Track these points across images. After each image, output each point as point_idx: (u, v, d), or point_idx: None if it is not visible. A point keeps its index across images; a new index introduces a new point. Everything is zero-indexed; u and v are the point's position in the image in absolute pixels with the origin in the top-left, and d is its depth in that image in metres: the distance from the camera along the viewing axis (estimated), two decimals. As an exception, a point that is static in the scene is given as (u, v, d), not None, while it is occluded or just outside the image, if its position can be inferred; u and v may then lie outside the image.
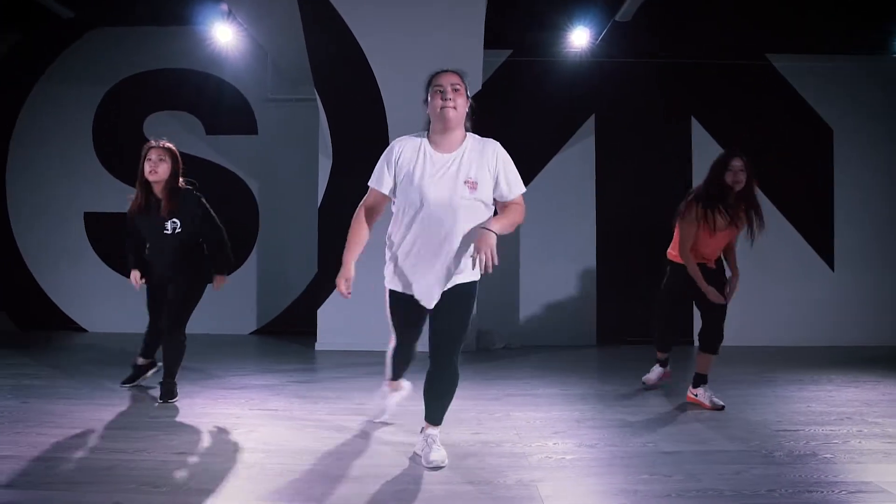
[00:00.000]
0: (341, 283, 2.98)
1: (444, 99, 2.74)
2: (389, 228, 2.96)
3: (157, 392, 4.05)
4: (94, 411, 3.69)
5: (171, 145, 4.12)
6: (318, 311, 6.46)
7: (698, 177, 7.08)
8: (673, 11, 6.34)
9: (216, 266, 4.20)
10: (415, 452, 2.97)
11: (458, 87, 2.79)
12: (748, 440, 3.29)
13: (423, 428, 2.98)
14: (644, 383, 4.58)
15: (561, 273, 7.12)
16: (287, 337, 7.11)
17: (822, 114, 7.19)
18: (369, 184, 2.92)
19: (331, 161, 6.50)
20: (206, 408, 3.88)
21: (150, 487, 2.50)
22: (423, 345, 3.04)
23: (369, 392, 4.41)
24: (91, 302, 7.62)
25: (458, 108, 2.77)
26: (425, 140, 2.83)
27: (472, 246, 2.67)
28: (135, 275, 4.21)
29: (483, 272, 2.66)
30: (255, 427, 3.46)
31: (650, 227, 6.85)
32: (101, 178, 7.66)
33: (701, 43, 6.95)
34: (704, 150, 7.08)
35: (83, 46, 7.66)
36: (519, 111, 7.06)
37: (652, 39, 6.84)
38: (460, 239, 2.76)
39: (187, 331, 4.16)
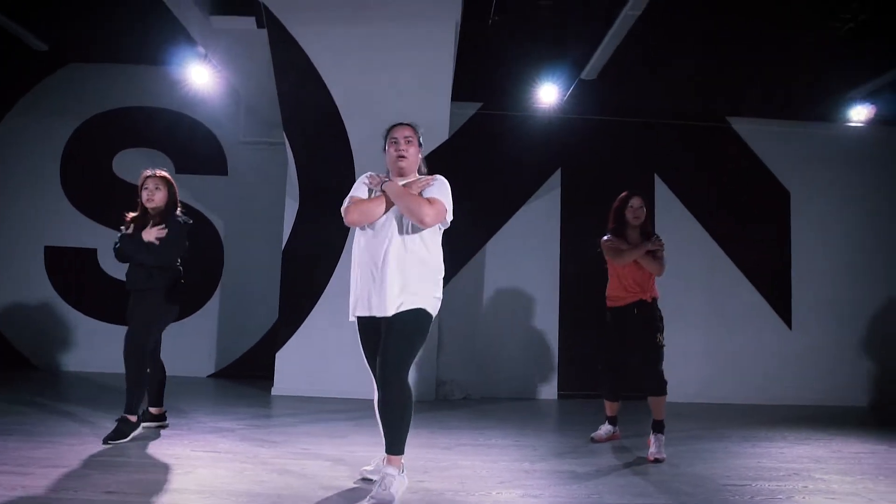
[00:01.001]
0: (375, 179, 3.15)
1: (397, 149, 3.14)
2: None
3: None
4: (35, 450, 3.57)
5: (166, 174, 4.25)
6: (277, 355, 6.37)
7: (660, 231, 7.17)
8: (636, 72, 6.55)
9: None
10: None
11: (410, 138, 3.17)
12: (693, 494, 3.27)
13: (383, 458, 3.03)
14: (592, 440, 4.56)
15: (523, 325, 7.13)
16: (245, 381, 6.98)
17: (780, 176, 7.42)
18: (350, 195, 3.16)
19: (297, 204, 6.52)
20: (149, 448, 3.78)
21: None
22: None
23: (317, 437, 4.37)
24: (44, 339, 7.44)
25: (410, 157, 3.16)
26: (387, 178, 3.17)
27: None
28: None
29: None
30: (195, 468, 3.37)
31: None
32: (66, 212, 7.60)
33: (664, 103, 7.19)
34: (667, 206, 7.27)
35: (57, 80, 7.71)
36: (487, 162, 7.18)
37: (617, 98, 7.06)
38: (399, 257, 3.02)
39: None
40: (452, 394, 6.64)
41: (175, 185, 4.32)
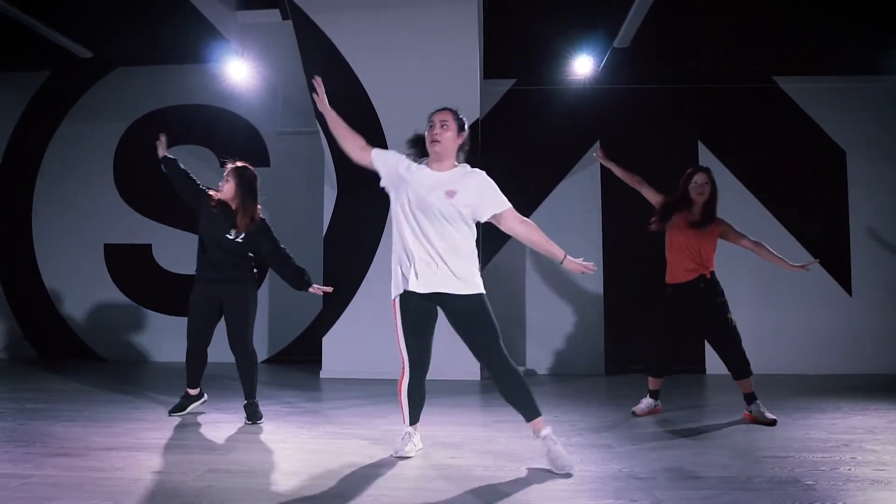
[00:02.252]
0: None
1: (431, 134, 3.22)
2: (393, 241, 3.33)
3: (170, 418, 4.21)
4: (88, 434, 3.77)
5: (238, 164, 4.39)
6: (323, 339, 6.52)
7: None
8: (671, 36, 6.36)
9: (298, 279, 4.37)
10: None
11: (446, 123, 3.23)
12: (729, 467, 3.19)
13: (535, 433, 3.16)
14: (634, 413, 4.52)
15: (568, 300, 7.07)
16: (296, 365, 7.17)
17: (834, 135, 7.08)
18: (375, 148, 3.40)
19: (335, 192, 6.62)
20: (196, 430, 3.94)
21: (112, 503, 2.54)
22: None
23: (357, 418, 4.46)
24: (108, 331, 7.82)
25: (444, 142, 3.21)
26: (425, 161, 3.31)
27: (572, 270, 3.23)
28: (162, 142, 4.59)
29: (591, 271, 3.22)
30: (234, 448, 3.50)
31: (657, 253, 6.78)
32: (121, 210, 7.93)
33: (703, 66, 6.94)
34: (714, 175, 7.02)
35: (104, 86, 8.02)
36: (524, 138, 7.11)
37: (653, 64, 6.86)
38: (444, 241, 3.15)
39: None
40: (497, 373, 6.65)
41: (246, 174, 4.36)
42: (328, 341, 6.51)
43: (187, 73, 7.87)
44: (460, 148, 3.30)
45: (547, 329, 7.00)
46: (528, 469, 3.14)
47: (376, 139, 6.23)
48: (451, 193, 3.13)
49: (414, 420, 3.48)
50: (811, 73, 7.07)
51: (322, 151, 6.68)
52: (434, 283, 3.18)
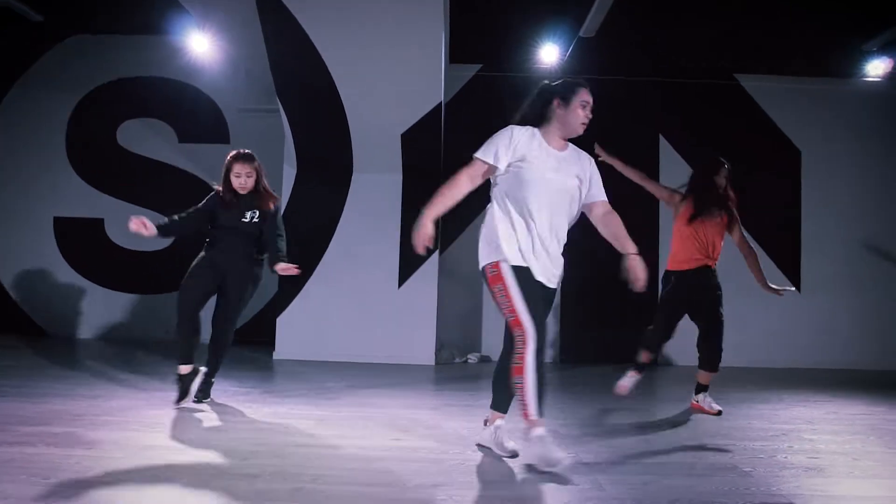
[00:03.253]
0: (419, 241, 2.87)
1: (584, 114, 3.00)
2: (496, 212, 3.04)
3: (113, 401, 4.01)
4: (20, 409, 3.65)
5: (250, 154, 4.22)
6: (277, 321, 6.44)
7: (665, 194, 7.10)
8: (637, 28, 6.39)
9: (276, 256, 4.16)
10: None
11: (592, 107, 3.05)
12: (671, 453, 3.24)
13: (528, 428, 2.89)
14: (619, 393, 4.48)
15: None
16: (250, 347, 7.06)
17: (791, 135, 7.22)
18: (479, 156, 2.99)
19: (294, 170, 6.52)
20: (137, 409, 3.84)
21: (40, 479, 2.46)
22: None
23: (306, 398, 4.42)
24: (56, 307, 7.60)
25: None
26: (538, 134, 3.03)
27: (629, 270, 2.99)
28: (143, 222, 3.84)
29: (640, 290, 3.00)
30: (175, 426, 3.43)
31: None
32: (73, 183, 7.69)
33: (667, 60, 7.00)
34: (672, 168, 7.12)
35: (59, 53, 7.74)
36: (488, 124, 7.00)
37: (618, 56, 6.89)
38: (565, 226, 3.08)
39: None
40: (452, 357, 6.66)
41: (258, 161, 4.25)
42: (282, 322, 6.43)
43: (146, 44, 7.65)
44: None
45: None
46: (472, 452, 3.14)
47: (338, 121, 6.19)
48: (580, 180, 3.03)
49: (541, 410, 2.91)
50: (772, 73, 7.19)
51: (283, 130, 6.56)
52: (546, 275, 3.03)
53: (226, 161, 4.17)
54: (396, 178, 6.54)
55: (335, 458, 2.93)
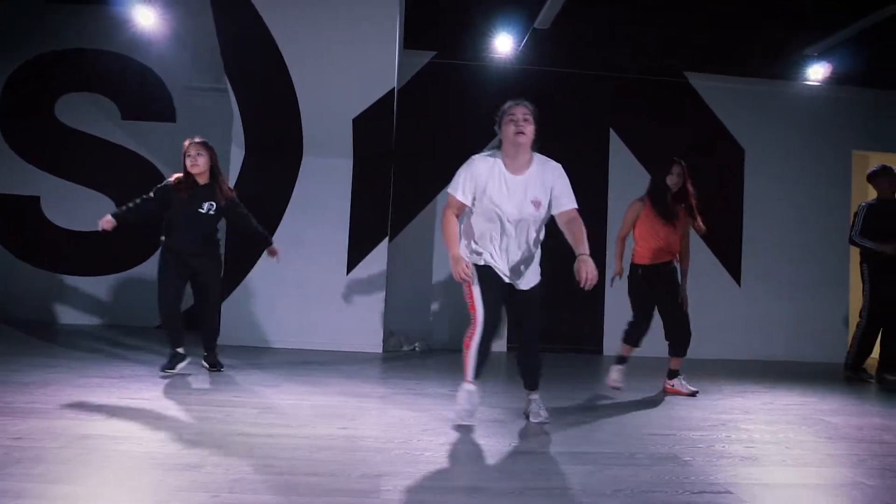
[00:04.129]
0: (460, 270, 3.27)
1: (516, 127, 3.30)
2: (468, 222, 3.50)
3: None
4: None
5: (204, 139, 4.63)
6: (222, 306, 6.27)
7: (613, 187, 7.22)
8: (591, 22, 6.43)
9: (264, 237, 4.93)
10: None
11: (527, 116, 3.34)
12: (614, 443, 3.29)
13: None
14: (613, 386, 4.77)
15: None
16: (192, 332, 6.86)
17: (735, 134, 7.40)
18: (449, 191, 3.42)
19: (243, 152, 6.36)
20: (73, 396, 3.69)
21: (-38, 471, 2.34)
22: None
23: (249, 385, 4.33)
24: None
25: (528, 134, 3.32)
26: (499, 161, 3.37)
27: (577, 270, 3.24)
28: (108, 220, 4.37)
29: (588, 288, 3.23)
30: (113, 415, 3.31)
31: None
32: (7, 158, 7.33)
33: (620, 55, 7.08)
34: (621, 162, 7.24)
35: (-8, 18, 7.33)
36: (441, 112, 7.06)
37: (572, 49, 6.93)
38: (526, 245, 3.45)
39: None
40: (400, 345, 6.63)
41: (214, 150, 4.67)
42: (227, 308, 6.27)
43: (89, 14, 7.29)
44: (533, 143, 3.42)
45: (451, 304, 7.01)
46: (417, 441, 3.13)
47: (288, 102, 6.04)
48: (536, 204, 3.35)
49: (477, 375, 3.53)
50: (720, 73, 7.34)
51: (231, 110, 6.38)
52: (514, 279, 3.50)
53: (183, 147, 4.57)
54: (347, 163, 6.45)
55: (278, 448, 2.88)
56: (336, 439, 3.08)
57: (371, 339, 6.34)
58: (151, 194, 4.50)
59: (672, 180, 4.70)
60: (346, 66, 5.73)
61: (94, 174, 7.29)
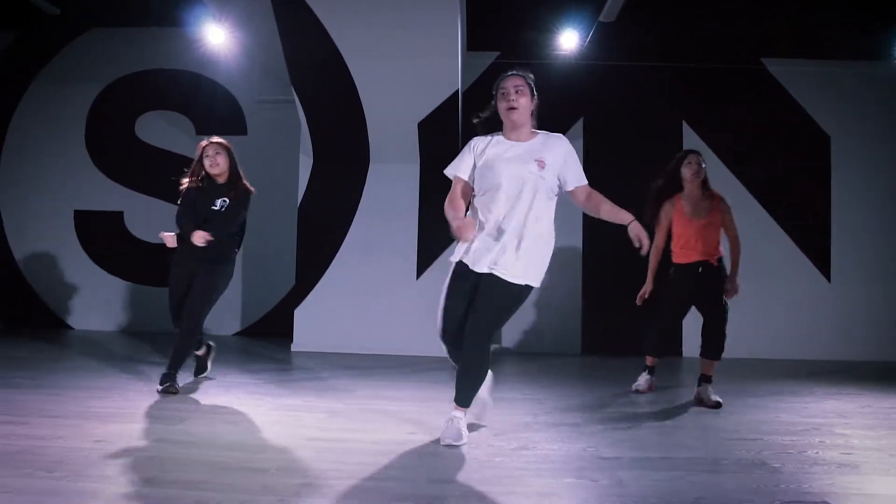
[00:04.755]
0: (465, 231, 2.94)
1: (507, 101, 3.06)
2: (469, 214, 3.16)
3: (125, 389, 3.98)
4: (38, 401, 3.63)
5: (223, 140, 4.37)
6: (295, 312, 6.40)
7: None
8: (660, 12, 6.20)
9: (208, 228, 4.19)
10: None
11: (520, 88, 3.08)
12: (697, 448, 3.11)
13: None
14: (636, 391, 4.52)
15: (546, 279, 6.95)
16: (269, 339, 7.03)
17: (819, 120, 6.98)
18: (447, 172, 3.19)
19: (311, 161, 6.46)
20: (150, 400, 3.81)
21: (45, 472, 2.41)
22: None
23: (321, 391, 4.35)
24: (78, 300, 7.63)
25: (521, 108, 3.06)
26: (500, 136, 3.15)
27: (635, 236, 3.01)
28: (171, 236, 4.33)
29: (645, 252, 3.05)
30: (188, 419, 3.37)
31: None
32: (93, 176, 7.70)
33: (691, 45, 6.80)
34: (696, 156, 6.93)
35: (77, 47, 7.74)
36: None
37: (640, 41, 6.71)
38: (524, 221, 3.01)
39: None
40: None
41: (232, 150, 4.39)
42: (300, 314, 6.38)
43: (163, 36, 7.61)
44: (532, 114, 3.16)
45: (523, 306, 6.86)
46: (487, 446, 3.04)
47: (354, 111, 6.09)
48: (540, 163, 3.03)
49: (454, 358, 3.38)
50: (798, 56, 6.94)
51: (299, 120, 6.49)
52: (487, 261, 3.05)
53: (198, 151, 4.33)
54: (414, 168, 6.44)
55: (345, 453, 2.85)
56: (405, 444, 3.03)
57: (441, 343, 6.28)
58: (180, 206, 4.30)
59: (690, 171, 4.35)
60: (409, 71, 5.73)
61: (173, 188, 7.52)
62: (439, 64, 5.71)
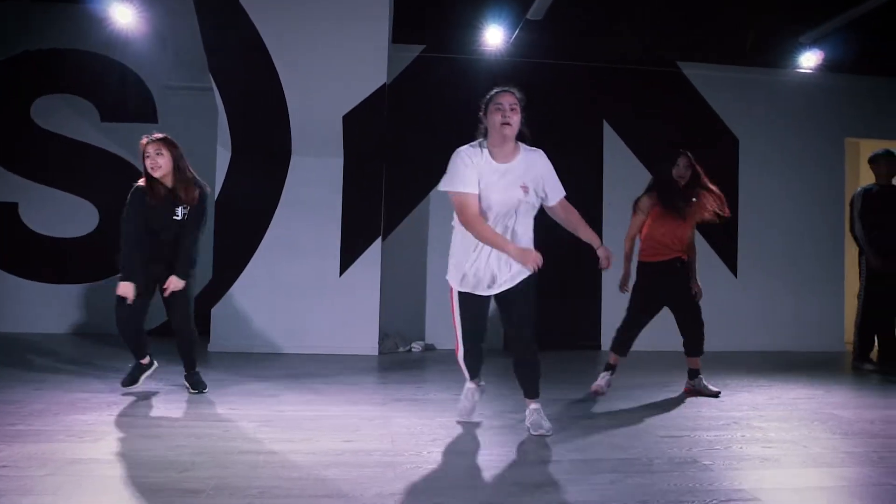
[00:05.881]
0: (532, 258, 3.16)
1: (503, 116, 3.15)
2: (456, 236, 3.33)
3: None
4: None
5: (166, 135, 3.99)
6: (212, 311, 6.12)
7: (608, 179, 7.12)
8: (585, 12, 6.31)
9: (177, 265, 3.97)
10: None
11: (514, 106, 3.19)
12: (629, 448, 3.18)
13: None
14: (596, 393, 4.49)
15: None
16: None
17: (729, 123, 7.32)
18: (457, 190, 3.15)
19: (229, 153, 6.17)
20: (60, 414, 3.52)
21: (-55, 507, 2.17)
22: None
23: (246, 396, 4.16)
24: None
25: (514, 124, 3.17)
26: (485, 151, 3.21)
27: (605, 257, 3.41)
28: (128, 287, 3.82)
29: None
30: (105, 435, 3.14)
31: (560, 228, 6.79)
32: (-19, 164, 7.07)
33: (613, 46, 6.96)
34: (616, 154, 7.14)
35: (-39, 19, 7.06)
36: (431, 107, 6.90)
37: (565, 40, 6.80)
38: (518, 235, 3.24)
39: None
40: (396, 347, 6.49)
41: (177, 145, 3.99)
42: (217, 313, 6.11)
43: (64, 12, 7.03)
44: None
45: (447, 302, 6.85)
46: (427, 453, 3.00)
47: (276, 101, 5.86)
48: (525, 189, 3.19)
49: (473, 375, 3.66)
50: (712, 62, 7.25)
51: (216, 109, 6.18)
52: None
53: (139, 150, 3.95)
54: (338, 162, 6.27)
55: (283, 467, 2.73)
56: (343, 454, 2.94)
57: (366, 341, 6.19)
58: (130, 213, 3.88)
59: (679, 172, 4.45)
60: (335, 62, 5.56)
61: (75, 178, 7.06)
62: (367, 55, 5.58)
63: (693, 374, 4.59)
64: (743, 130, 7.35)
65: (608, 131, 7.18)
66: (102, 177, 7.04)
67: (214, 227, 6.23)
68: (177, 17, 6.43)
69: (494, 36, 6.50)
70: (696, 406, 4.23)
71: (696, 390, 4.55)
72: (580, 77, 7.13)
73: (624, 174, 6.97)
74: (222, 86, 5.86)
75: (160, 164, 3.84)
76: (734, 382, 5.12)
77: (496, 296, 3.30)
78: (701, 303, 6.92)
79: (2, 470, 2.56)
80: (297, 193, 6.24)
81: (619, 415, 3.95)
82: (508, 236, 3.20)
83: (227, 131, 6.07)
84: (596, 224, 6.78)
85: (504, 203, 3.17)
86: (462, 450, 3.06)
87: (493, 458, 2.97)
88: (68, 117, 7.16)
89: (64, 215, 7.04)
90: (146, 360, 4.20)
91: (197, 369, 4.27)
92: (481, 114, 3.28)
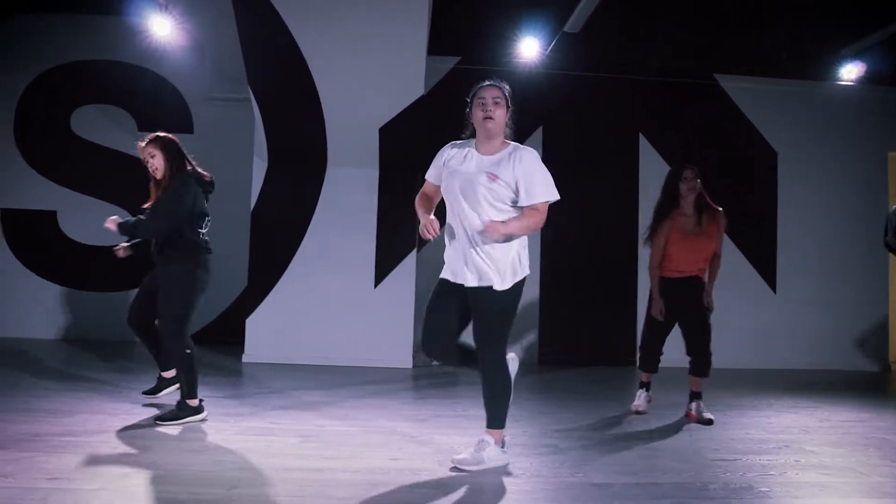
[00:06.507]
0: (428, 229, 3.02)
1: (484, 111, 3.05)
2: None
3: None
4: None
5: (157, 134, 3.85)
6: (247, 322, 6.13)
7: (644, 193, 7.02)
8: (623, 25, 6.24)
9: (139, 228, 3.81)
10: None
11: (498, 100, 3.08)
12: (682, 472, 3.09)
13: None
14: (636, 412, 4.41)
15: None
16: (216, 347, 6.71)
17: (767, 136, 7.20)
18: (426, 176, 3.25)
19: (265, 163, 6.19)
20: (104, 423, 3.52)
21: (0, 522, 2.16)
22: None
23: (286, 410, 4.14)
24: (4, 305, 7.09)
25: (497, 119, 3.06)
26: (472, 144, 3.16)
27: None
28: (113, 221, 3.81)
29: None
30: (149, 447, 3.13)
31: (596, 242, 6.73)
32: (23, 173, 7.18)
33: (650, 58, 6.88)
34: (651, 167, 7.04)
35: (9, 32, 7.19)
36: (465, 119, 6.85)
37: (601, 53, 6.74)
38: (479, 220, 2.98)
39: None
40: (430, 360, 6.43)
41: (171, 141, 3.83)
42: (252, 323, 6.11)
43: (102, 25, 7.16)
44: (507, 125, 3.16)
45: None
46: (475, 473, 2.93)
47: (313, 112, 5.87)
48: (491, 176, 3.00)
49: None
50: (750, 74, 7.15)
51: (251, 120, 6.21)
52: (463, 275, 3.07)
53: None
54: (373, 173, 6.27)
55: (328, 485, 2.69)
56: (389, 473, 2.89)
57: (400, 354, 6.16)
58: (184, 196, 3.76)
59: (686, 186, 4.30)
60: (373, 74, 5.56)
61: (112, 187, 7.13)
62: (405, 67, 5.58)
63: (696, 396, 4.35)
64: (782, 144, 7.22)
65: (644, 144, 7.09)
66: (139, 185, 7.07)
67: (250, 238, 6.25)
68: (215, 30, 6.48)
69: (530, 48, 6.45)
70: (744, 427, 4.11)
71: (693, 415, 4.29)
72: (616, 90, 7.06)
73: (659, 187, 6.85)
74: (260, 96, 5.89)
75: (156, 166, 3.76)
76: (778, 402, 5.00)
77: (469, 293, 3.04)
78: (739, 318, 6.91)
79: (53, 482, 2.55)
80: (333, 204, 6.24)
81: (661, 434, 3.85)
82: (472, 229, 2.98)
83: (264, 142, 6.09)
84: (631, 237, 6.69)
85: (467, 181, 2.99)
86: (512, 471, 2.99)
87: (543, 479, 2.90)
88: (107, 127, 7.26)
89: (101, 224, 7.09)
90: (169, 374, 4.11)
91: (164, 374, 4.11)
92: (467, 110, 3.16)
